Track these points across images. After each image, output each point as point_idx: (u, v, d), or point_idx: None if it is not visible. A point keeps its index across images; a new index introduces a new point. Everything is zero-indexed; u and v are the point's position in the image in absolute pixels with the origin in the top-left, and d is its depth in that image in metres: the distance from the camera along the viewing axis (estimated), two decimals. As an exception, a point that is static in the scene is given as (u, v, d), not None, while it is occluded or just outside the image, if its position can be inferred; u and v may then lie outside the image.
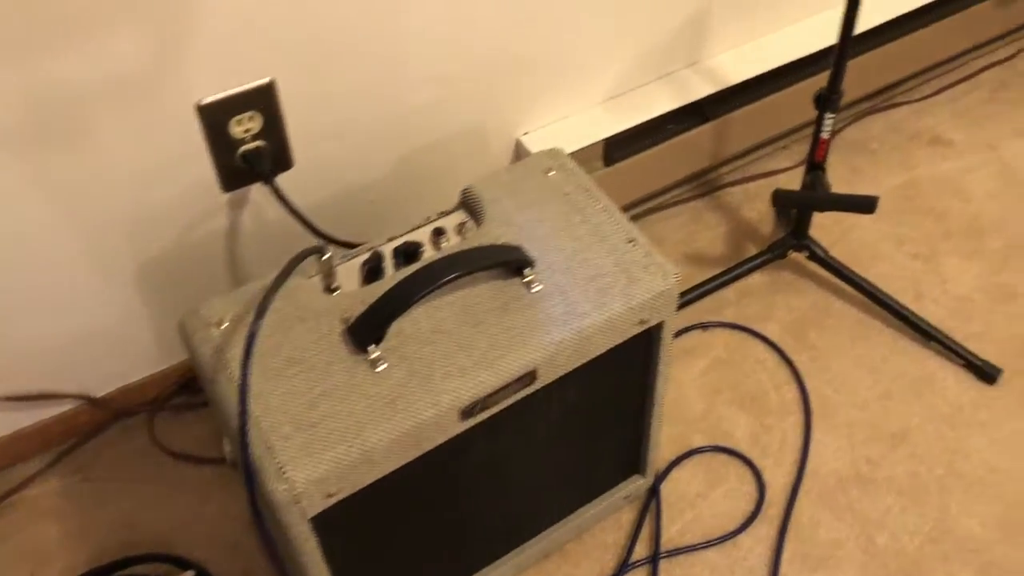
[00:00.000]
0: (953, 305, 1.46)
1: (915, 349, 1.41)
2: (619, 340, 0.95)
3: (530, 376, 0.90)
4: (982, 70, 1.79)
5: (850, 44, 1.20)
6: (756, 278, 1.49)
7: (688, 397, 1.36)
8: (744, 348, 1.42)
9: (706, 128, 1.50)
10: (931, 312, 1.44)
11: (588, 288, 0.93)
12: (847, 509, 1.24)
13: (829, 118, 1.28)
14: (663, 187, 1.58)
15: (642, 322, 0.96)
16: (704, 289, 1.46)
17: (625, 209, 1.56)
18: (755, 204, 1.60)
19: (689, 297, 1.46)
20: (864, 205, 1.28)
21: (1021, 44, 1.83)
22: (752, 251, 1.51)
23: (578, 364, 0.94)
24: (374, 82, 1.15)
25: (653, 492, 1.25)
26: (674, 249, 1.54)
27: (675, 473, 1.28)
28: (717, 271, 1.48)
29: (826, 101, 1.27)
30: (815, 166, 1.34)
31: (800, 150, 1.68)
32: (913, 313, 1.41)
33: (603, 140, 1.40)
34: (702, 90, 1.45)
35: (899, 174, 1.64)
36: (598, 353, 0.94)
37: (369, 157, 1.24)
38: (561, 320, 0.91)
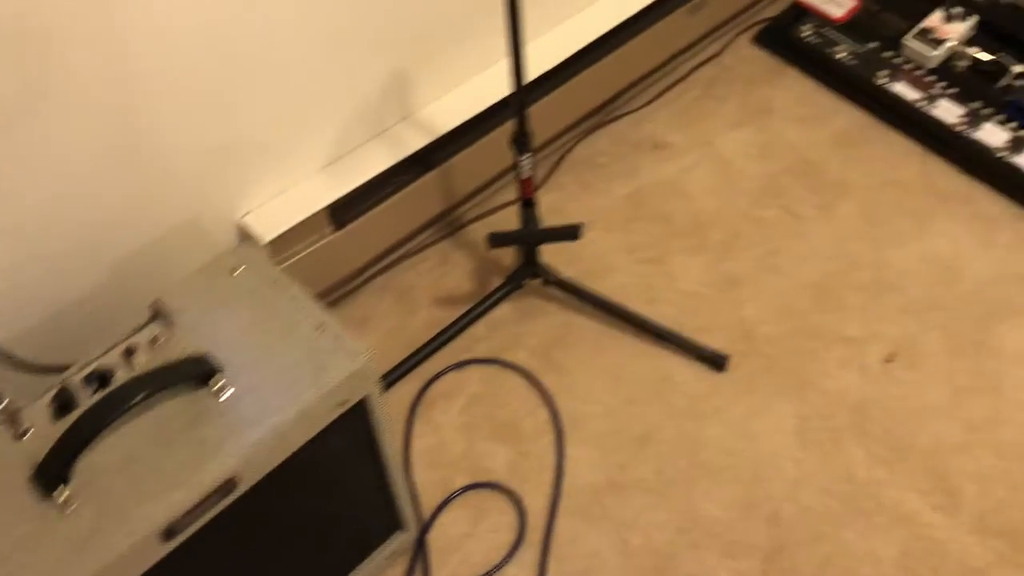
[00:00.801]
0: (683, 302, 1.57)
1: (653, 351, 1.51)
2: (322, 425, 0.99)
3: (230, 484, 0.92)
4: (693, 70, 1.92)
5: (524, 91, 1.28)
6: (503, 309, 1.56)
7: (448, 440, 1.42)
8: (498, 380, 1.48)
9: (431, 176, 1.55)
10: (664, 312, 1.55)
11: (279, 383, 0.96)
12: (602, 518, 1.33)
13: (526, 158, 1.36)
14: (404, 236, 1.63)
15: (342, 403, 1.00)
16: (454, 330, 1.52)
17: (369, 264, 1.61)
18: (497, 236, 1.67)
19: (441, 340, 1.51)
20: (569, 234, 1.36)
21: (725, 40, 1.97)
22: (498, 283, 1.58)
23: (284, 458, 0.97)
24: (66, 198, 1.15)
25: (419, 542, 1.30)
26: (424, 294, 1.60)
27: (441, 518, 1.33)
28: (467, 308, 1.54)
29: (518, 144, 1.34)
30: (526, 203, 1.41)
31: (539, 167, 1.76)
32: (646, 318, 1.52)
33: (328, 206, 1.43)
34: (417, 142, 1.51)
35: (627, 183, 1.74)
36: (302, 443, 0.98)
37: (75, 272, 1.23)
38: (254, 421, 0.93)
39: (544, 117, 1.66)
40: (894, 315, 1.54)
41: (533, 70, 1.58)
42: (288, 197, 1.43)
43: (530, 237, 1.40)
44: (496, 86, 1.56)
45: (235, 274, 1.06)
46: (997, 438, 1.40)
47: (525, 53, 1.24)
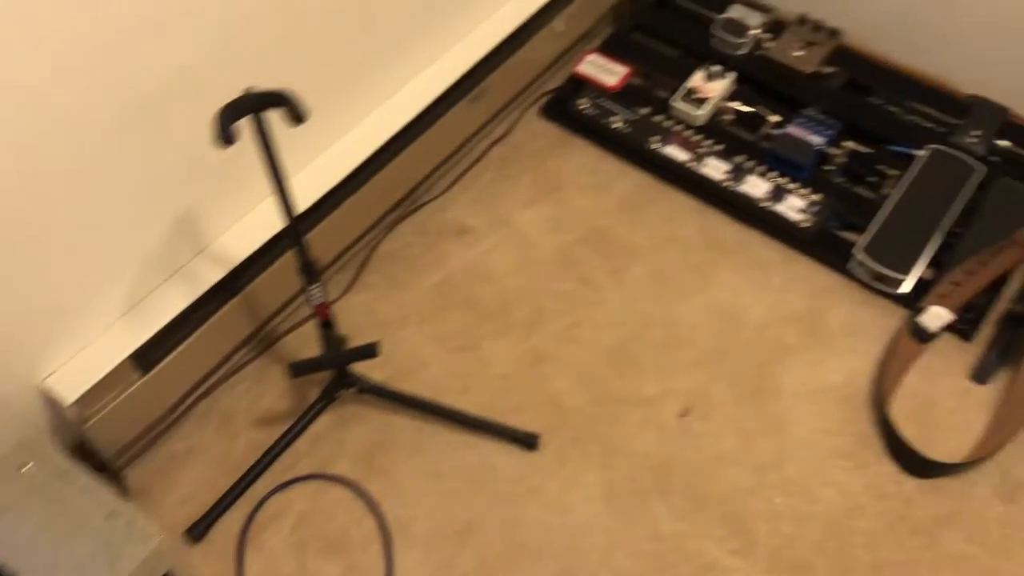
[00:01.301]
0: (496, 385, 1.67)
1: (471, 441, 1.60)
2: (126, 609, 1.03)
3: None
4: (487, 151, 2.02)
5: (298, 225, 1.34)
6: (322, 422, 1.62)
7: (280, 563, 1.47)
8: (324, 495, 1.54)
9: (234, 302, 1.60)
10: (478, 400, 1.64)
11: (74, 581, 1.00)
12: (433, 617, 1.41)
13: (315, 288, 1.42)
14: (217, 363, 1.66)
15: (143, 584, 1.04)
16: (277, 450, 1.57)
17: (184, 396, 1.64)
18: (311, 345, 1.73)
19: (264, 463, 1.56)
20: (368, 353, 1.43)
21: (514, 117, 2.08)
22: (315, 395, 1.64)
23: (90, 649, 1.01)
24: None
25: (259, 675, 1.35)
26: (245, 417, 1.64)
27: (279, 645, 1.39)
28: (288, 425, 1.60)
29: (305, 274, 1.40)
30: (323, 325, 1.47)
31: (341, 278, 1.83)
32: (459, 410, 1.60)
33: (131, 355, 1.46)
34: (214, 275, 1.55)
35: (435, 273, 1.83)
36: (106, 631, 1.02)
37: None
38: (52, 625, 0.97)
39: (344, 222, 1.73)
40: (686, 369, 1.68)
41: (322, 184, 1.65)
42: (89, 353, 1.45)
43: (330, 363, 1.47)
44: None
45: (23, 470, 1.09)
46: (783, 476, 1.55)
47: (290, 189, 1.31)
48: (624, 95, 2.02)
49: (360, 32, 1.62)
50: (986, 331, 1.69)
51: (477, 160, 2.01)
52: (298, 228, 1.36)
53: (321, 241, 1.69)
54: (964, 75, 1.90)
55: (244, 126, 1.17)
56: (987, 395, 1.62)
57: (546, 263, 1.83)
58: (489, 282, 1.81)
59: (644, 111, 1.98)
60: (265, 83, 1.18)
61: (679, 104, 1.95)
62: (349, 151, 1.71)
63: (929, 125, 1.90)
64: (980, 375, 1.64)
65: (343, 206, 1.71)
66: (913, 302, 1.70)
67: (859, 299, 1.74)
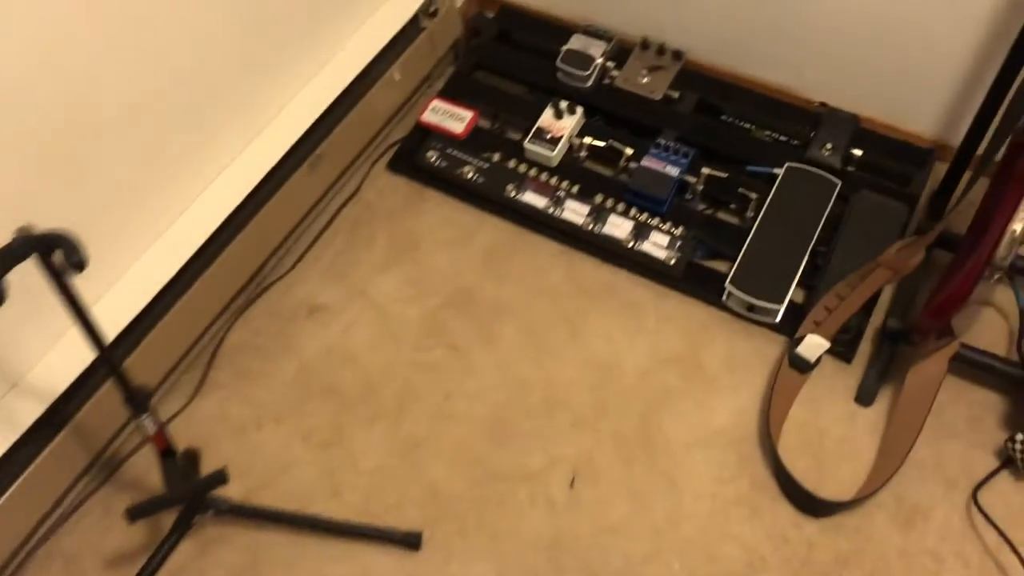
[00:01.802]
0: (369, 482, 1.54)
1: (348, 548, 1.47)
2: None
3: None
4: (335, 216, 1.88)
5: (110, 356, 1.19)
6: (182, 551, 1.47)
7: None
8: (190, 636, 1.39)
9: (64, 433, 1.43)
10: (351, 502, 1.51)
11: None
12: None
13: (145, 418, 1.27)
14: (55, 501, 1.49)
15: None
16: (131, 594, 1.41)
17: (23, 542, 1.46)
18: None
19: (118, 612, 1.40)
20: (215, 482, 1.29)
21: (361, 175, 1.95)
22: (170, 523, 1.48)
23: None
24: None
25: None
26: (92, 558, 1.47)
27: None
28: (143, 561, 1.43)
29: (132, 404, 1.25)
30: (162, 454, 1.32)
31: (188, 379, 1.67)
32: (330, 519, 1.47)
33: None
34: (34, 410, 1.38)
35: (290, 361, 1.69)
36: None
37: None
38: None
39: (181, 321, 1.58)
40: (568, 433, 1.59)
41: (147, 290, 1.49)
42: None
43: (173, 500, 1.31)
44: (113, 319, 1.45)
45: None
46: (680, 537, 1.47)
47: (95, 320, 1.16)
48: (473, 141, 1.92)
49: (181, 113, 1.47)
50: (865, 349, 1.65)
51: (325, 227, 1.87)
52: (112, 359, 1.21)
53: (156, 350, 1.53)
54: (812, 83, 1.87)
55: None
56: (874, 417, 1.58)
57: (410, 334, 1.71)
58: (350, 364, 1.68)
59: (496, 157, 1.88)
60: (60, 192, 1.03)
61: (531, 146, 1.86)
62: (178, 243, 1.56)
63: (783, 139, 1.86)
64: (864, 397, 1.60)
65: (177, 306, 1.56)
66: (790, 329, 1.65)
67: (737, 331, 1.69)
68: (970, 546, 1.44)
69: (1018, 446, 1.46)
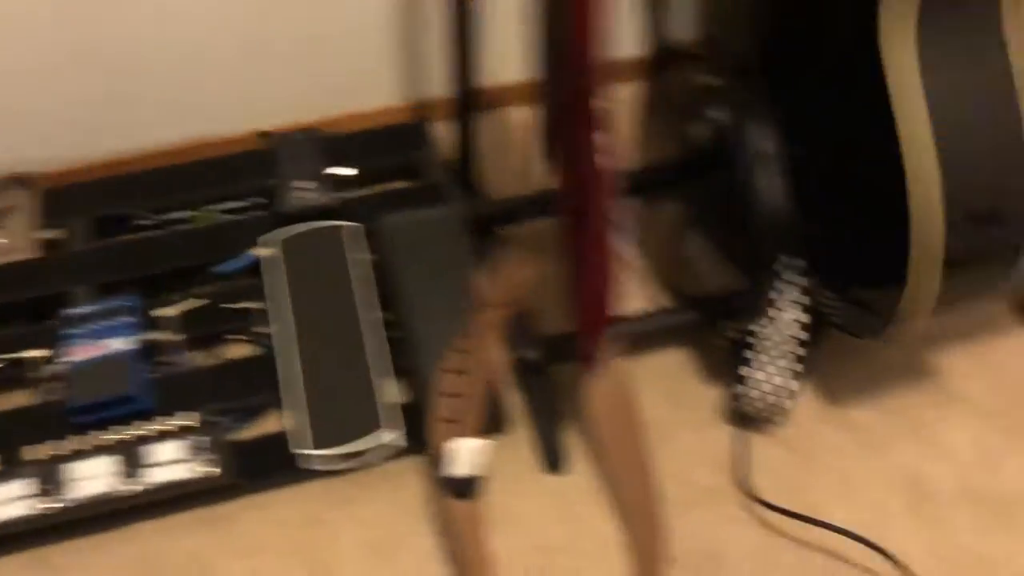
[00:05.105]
0: None
1: None
2: None
3: None
4: None
5: None
6: None
7: None
8: None
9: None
10: None
11: None
12: None
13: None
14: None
15: None
16: None
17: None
18: None
19: None
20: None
21: None
22: None
23: None
24: None
25: None
26: None
27: None
28: None
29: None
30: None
31: None
32: None
33: None
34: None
35: None
36: None
37: None
38: None
39: None
40: None
41: None
42: None
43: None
44: None
45: None
46: None
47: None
48: None
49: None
50: (518, 402, 1.17)
51: None
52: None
53: None
54: (223, 117, 1.30)
55: None
56: (583, 480, 1.11)
57: None
58: None
59: None
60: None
61: None
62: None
63: (243, 205, 1.27)
64: (552, 463, 1.12)
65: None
66: (419, 448, 1.10)
67: (359, 494, 1.10)
68: (784, 556, 1.05)
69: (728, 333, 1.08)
